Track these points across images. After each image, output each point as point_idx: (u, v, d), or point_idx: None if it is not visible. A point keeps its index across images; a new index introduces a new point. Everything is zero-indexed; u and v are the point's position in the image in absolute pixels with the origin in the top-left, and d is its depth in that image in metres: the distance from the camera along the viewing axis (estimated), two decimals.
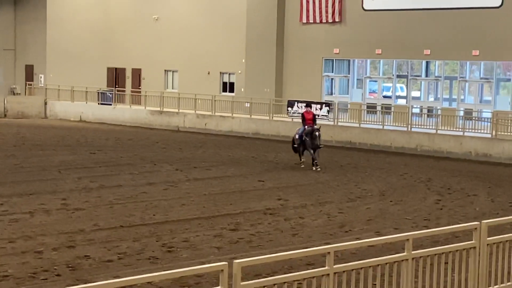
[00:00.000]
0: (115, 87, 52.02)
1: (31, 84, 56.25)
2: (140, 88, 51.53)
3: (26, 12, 57.09)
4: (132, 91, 51.52)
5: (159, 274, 7.68)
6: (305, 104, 30.52)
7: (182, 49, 49.39)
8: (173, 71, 50.76)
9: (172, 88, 50.44)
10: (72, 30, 54.43)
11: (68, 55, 54.20)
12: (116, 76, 53.57)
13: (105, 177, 25.49)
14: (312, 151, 28.29)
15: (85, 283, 11.59)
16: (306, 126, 28.62)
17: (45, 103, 53.20)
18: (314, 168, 28.23)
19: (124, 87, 52.38)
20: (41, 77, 56.14)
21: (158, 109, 47.65)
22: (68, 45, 54.27)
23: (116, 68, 53.54)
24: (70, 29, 54.53)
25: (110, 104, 50.14)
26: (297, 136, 28.93)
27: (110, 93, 50.46)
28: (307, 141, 28.20)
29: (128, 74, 52.92)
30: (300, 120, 30.12)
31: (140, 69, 52.20)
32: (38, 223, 17.79)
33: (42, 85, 55.22)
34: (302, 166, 28.89)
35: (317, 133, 28.09)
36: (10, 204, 20.03)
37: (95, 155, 31.89)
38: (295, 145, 29.09)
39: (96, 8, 54.39)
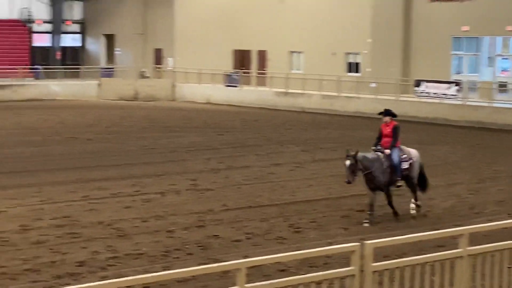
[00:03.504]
0: (241, 69, 52.52)
1: (160, 68, 57.54)
2: (265, 70, 51.83)
3: None
4: (257, 73, 51.88)
5: (289, 254, 7.72)
6: (382, 112, 17.39)
7: (307, 30, 49.27)
8: (298, 52, 50.76)
9: (297, 69, 50.46)
10: (199, 13, 55.23)
11: (195, 38, 55.07)
12: (242, 58, 54.07)
13: (233, 158, 25.82)
14: (371, 192, 16.56)
15: (216, 262, 11.80)
16: (375, 147, 17.13)
17: (174, 86, 54.30)
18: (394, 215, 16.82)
19: (250, 69, 52.81)
20: (169, 60, 57.33)
21: (283, 90, 47.78)
22: (195, 28, 55.13)
23: (242, 50, 54.01)
24: (197, 12, 55.36)
25: (236, 86, 50.67)
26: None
27: (236, 75, 50.99)
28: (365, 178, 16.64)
29: (254, 56, 53.29)
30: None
31: (265, 51, 52.46)
32: (169, 203, 18.24)
33: (171, 68, 56.38)
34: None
35: (370, 164, 16.52)
36: (142, 185, 20.61)
37: (222, 137, 32.34)
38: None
39: None
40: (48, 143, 29.40)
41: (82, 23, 62.66)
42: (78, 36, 62.90)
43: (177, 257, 13.57)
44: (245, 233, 15.34)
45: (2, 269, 12.76)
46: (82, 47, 62.91)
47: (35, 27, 59.18)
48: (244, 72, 51.81)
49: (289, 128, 36.05)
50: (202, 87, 52.50)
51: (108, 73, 58.26)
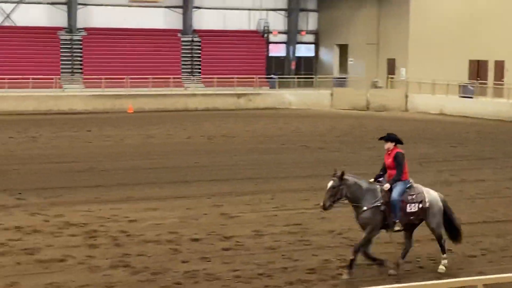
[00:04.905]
0: (477, 80, 51.00)
1: (392, 78, 57.22)
2: (503, 81, 49.94)
3: (390, 7, 58.07)
4: (494, 84, 50.10)
5: None
6: (383, 137, 13.72)
7: None
8: None
9: None
10: (435, 22, 54.25)
11: (429, 47, 54.17)
12: (478, 69, 52.46)
13: (466, 171, 25.11)
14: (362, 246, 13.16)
15: (449, 277, 11.49)
16: (374, 180, 13.74)
17: (406, 96, 53.78)
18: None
19: (486, 80, 51.11)
20: (402, 70, 56.85)
21: None
22: (430, 37, 54.23)
23: (478, 60, 52.43)
24: (433, 21, 54.43)
25: (471, 97, 49.24)
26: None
27: (472, 86, 49.57)
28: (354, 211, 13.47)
29: (491, 66, 51.54)
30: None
31: (503, 61, 50.56)
32: None
33: (403, 78, 55.90)
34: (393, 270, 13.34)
35: (364, 206, 13.10)
36: None
37: (455, 149, 31.57)
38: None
39: None
40: (281, 151, 30.12)
41: (316, 33, 63.72)
42: (312, 46, 64.00)
43: (408, 270, 13.37)
44: (480, 249, 14.84)
45: (237, 273, 13.19)
46: (316, 57, 63.96)
47: (272, 38, 60.96)
48: (480, 83, 50.25)
49: None
50: (436, 97, 51.56)
51: (340, 82, 58.80)
